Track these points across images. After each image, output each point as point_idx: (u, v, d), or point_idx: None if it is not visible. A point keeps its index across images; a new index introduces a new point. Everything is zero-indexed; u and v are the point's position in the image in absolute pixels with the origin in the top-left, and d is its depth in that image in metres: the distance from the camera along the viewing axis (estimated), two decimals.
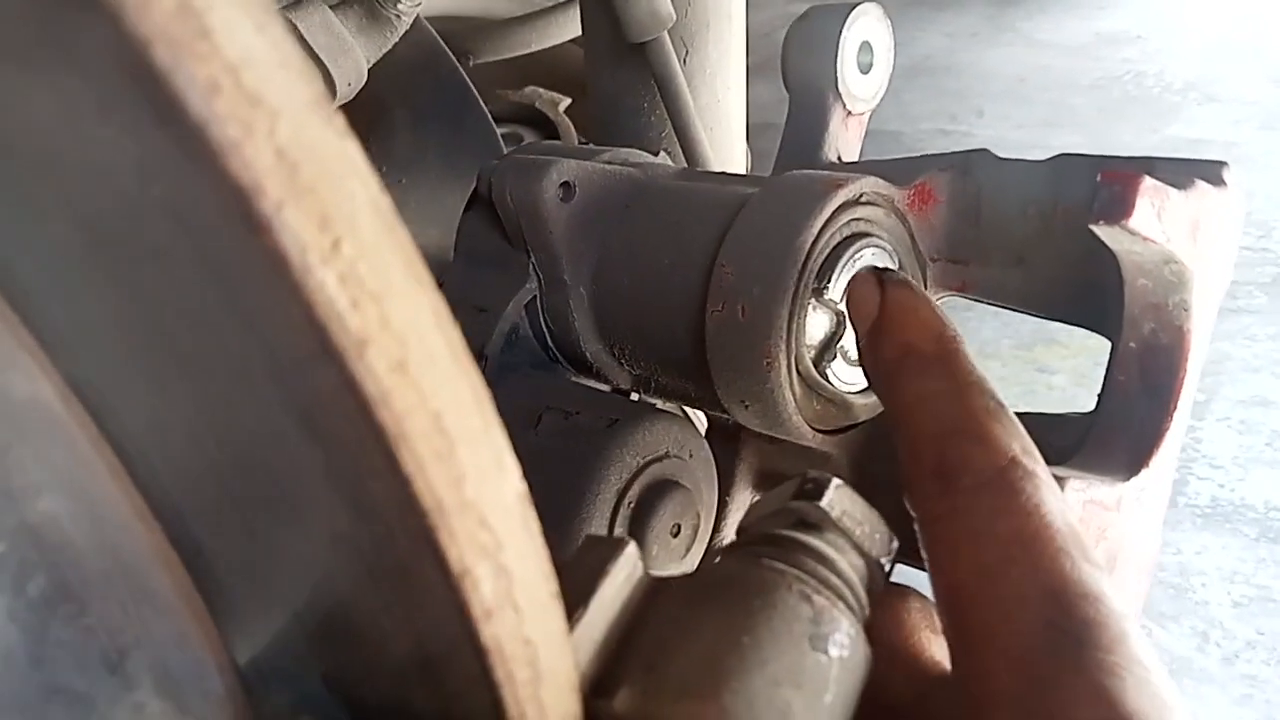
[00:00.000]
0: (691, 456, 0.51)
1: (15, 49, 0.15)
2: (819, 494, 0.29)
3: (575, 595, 0.24)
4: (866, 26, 0.58)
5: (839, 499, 0.29)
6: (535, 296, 0.54)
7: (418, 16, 0.83)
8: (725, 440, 0.59)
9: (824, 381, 0.46)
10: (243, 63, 0.14)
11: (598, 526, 0.46)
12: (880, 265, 0.46)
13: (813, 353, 0.46)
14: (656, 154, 0.62)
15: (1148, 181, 0.39)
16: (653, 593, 0.27)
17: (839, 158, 0.59)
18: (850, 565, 0.29)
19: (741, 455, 0.60)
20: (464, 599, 0.18)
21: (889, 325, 0.37)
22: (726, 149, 0.82)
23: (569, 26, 1.16)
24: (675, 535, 0.49)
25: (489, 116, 0.99)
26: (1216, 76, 2.92)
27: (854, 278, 0.41)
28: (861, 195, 0.47)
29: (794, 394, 0.45)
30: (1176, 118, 2.75)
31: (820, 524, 0.29)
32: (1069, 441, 0.46)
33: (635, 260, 0.51)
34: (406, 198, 0.91)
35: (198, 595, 0.24)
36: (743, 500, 0.60)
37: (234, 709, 0.25)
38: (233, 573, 0.24)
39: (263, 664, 0.25)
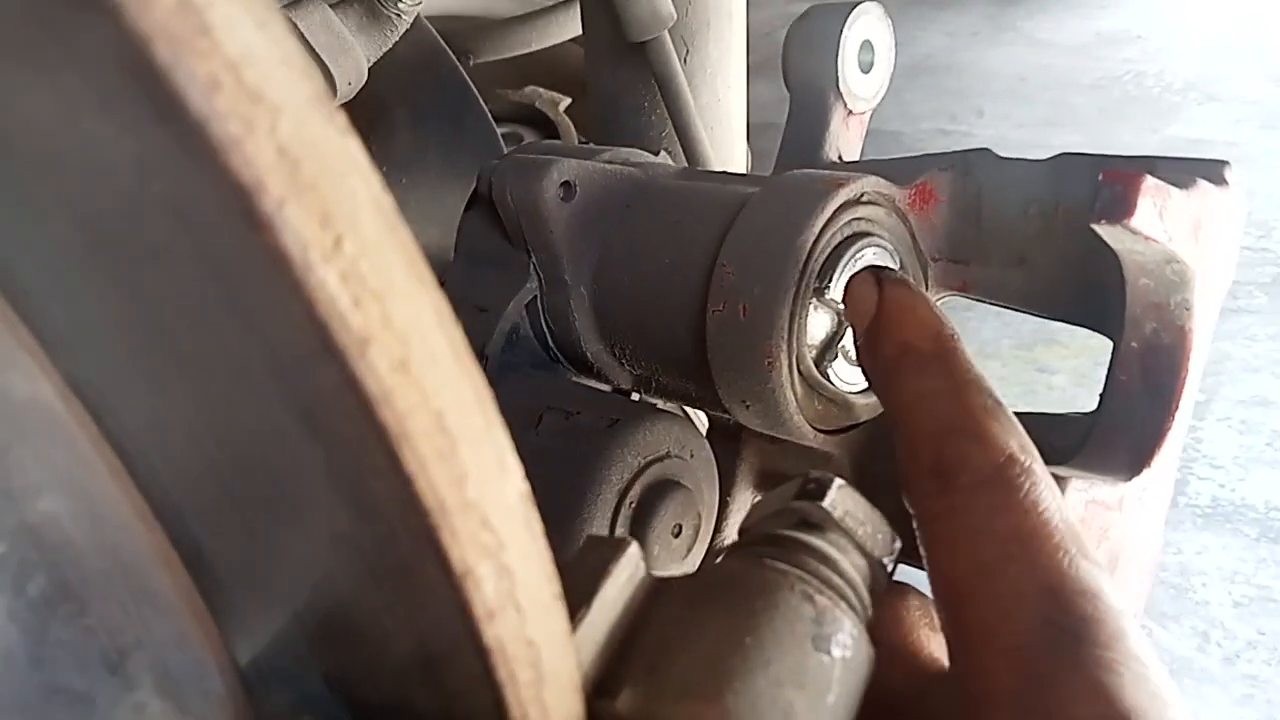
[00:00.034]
0: (693, 456, 0.51)
1: (14, 46, 0.15)
2: (821, 494, 0.29)
3: (577, 596, 0.24)
4: (867, 25, 0.58)
5: (841, 499, 0.29)
6: (536, 296, 0.54)
7: (418, 15, 0.83)
8: (726, 440, 0.59)
9: (825, 381, 0.46)
10: (243, 59, 0.14)
11: (598, 527, 0.46)
12: (881, 265, 0.46)
13: (814, 352, 0.46)
14: (657, 153, 0.62)
15: (1150, 181, 0.39)
16: (655, 593, 0.27)
17: (840, 157, 0.59)
18: (853, 565, 0.29)
19: (742, 455, 0.59)
20: (466, 599, 0.18)
21: (887, 324, 0.37)
22: (727, 148, 0.82)
23: (569, 26, 1.16)
24: (676, 535, 0.49)
25: (489, 116, 0.99)
26: (1217, 76, 2.92)
27: (852, 276, 0.41)
28: (863, 195, 0.47)
29: (795, 394, 0.45)
30: (1177, 117, 2.75)
31: (823, 524, 0.29)
32: (1071, 441, 0.46)
33: (636, 260, 0.51)
34: (406, 197, 0.91)
35: (198, 595, 0.24)
36: (744, 500, 0.60)
37: (234, 709, 0.25)
38: (233, 573, 0.24)
39: (264, 664, 0.25)
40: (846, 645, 0.26)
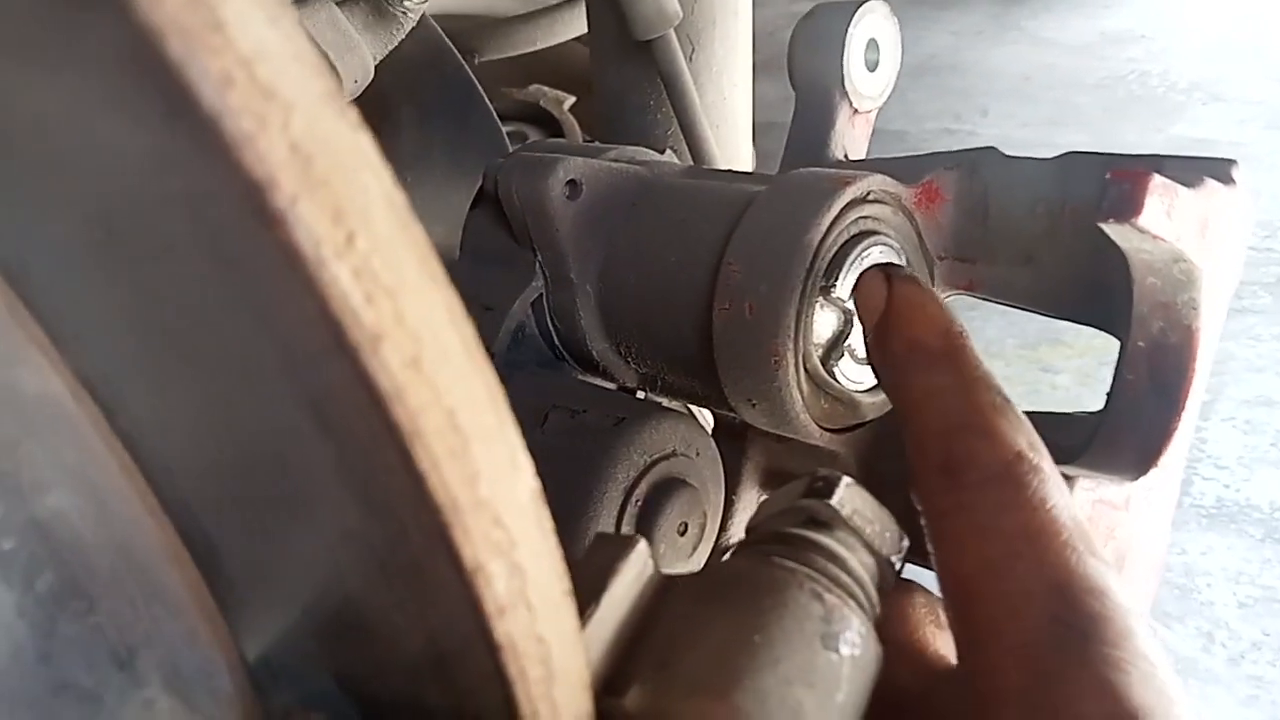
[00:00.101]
0: (698, 455, 0.51)
1: (24, 43, 0.15)
2: (829, 492, 0.29)
3: (586, 593, 0.24)
4: (873, 24, 0.58)
5: (849, 497, 0.29)
6: (541, 295, 0.54)
7: (424, 14, 0.83)
8: (732, 439, 0.59)
9: (831, 380, 0.46)
10: (256, 55, 0.14)
11: (605, 525, 0.46)
12: (889, 263, 0.46)
13: (820, 351, 0.46)
14: (662, 152, 0.62)
15: (1157, 179, 0.39)
16: (663, 591, 0.27)
17: (846, 155, 0.59)
18: (861, 563, 0.29)
19: (748, 454, 0.59)
20: (477, 596, 0.18)
21: (896, 321, 0.37)
22: (732, 147, 0.82)
23: (574, 24, 1.16)
24: (682, 534, 0.49)
25: (494, 114, 0.99)
26: (1221, 76, 2.92)
27: (862, 274, 0.41)
28: (869, 193, 0.46)
29: (801, 392, 0.45)
30: (1181, 117, 2.74)
31: (831, 522, 0.29)
32: (1077, 441, 0.46)
33: (642, 258, 0.51)
34: (412, 195, 0.90)
35: (207, 592, 0.24)
36: (749, 499, 0.60)
37: (243, 707, 0.25)
38: (243, 570, 0.24)
39: (273, 661, 0.25)
40: (855, 643, 0.26)
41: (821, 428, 0.47)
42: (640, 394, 0.57)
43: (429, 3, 0.81)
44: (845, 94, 0.58)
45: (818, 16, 0.58)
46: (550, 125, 1.25)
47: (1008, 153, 0.50)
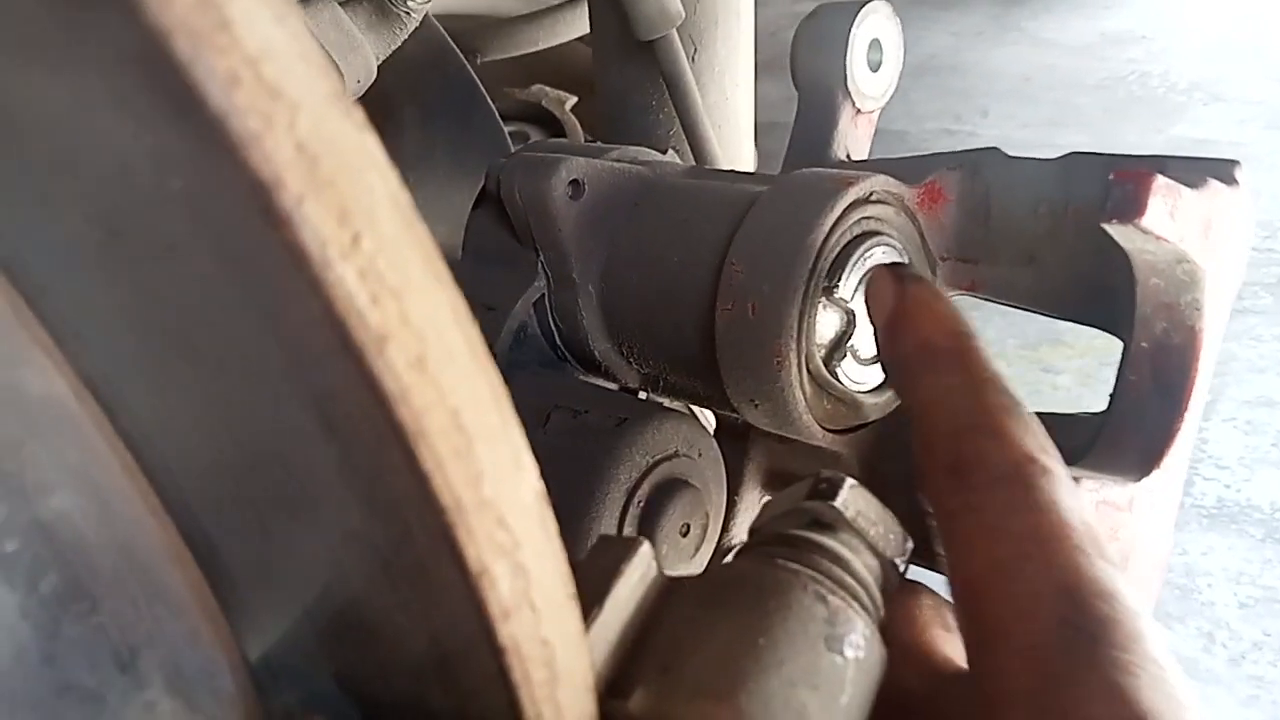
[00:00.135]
0: (700, 456, 0.51)
1: (31, 41, 0.15)
2: (833, 494, 0.29)
3: (590, 595, 0.24)
4: (876, 24, 0.58)
5: (853, 499, 0.29)
6: (544, 295, 0.54)
7: (426, 14, 0.83)
8: (734, 439, 0.59)
9: (834, 381, 0.46)
10: (263, 55, 0.14)
11: (607, 526, 0.46)
12: (895, 263, 0.46)
13: (823, 351, 0.46)
14: (665, 152, 0.62)
15: (1161, 180, 0.38)
16: (667, 593, 0.26)
17: (848, 156, 0.59)
18: (865, 566, 0.28)
19: (750, 454, 0.59)
20: (482, 598, 0.18)
21: (906, 321, 0.37)
22: (735, 147, 0.82)
23: (576, 24, 1.16)
24: (684, 535, 0.49)
25: (497, 114, 0.99)
26: (1221, 76, 2.92)
27: (872, 274, 0.40)
28: (872, 193, 0.46)
29: (804, 393, 0.45)
30: (1181, 117, 2.74)
31: (835, 524, 0.29)
32: (1080, 442, 0.46)
33: (644, 258, 0.51)
34: (414, 195, 0.90)
35: (210, 593, 0.24)
36: (751, 500, 0.60)
37: (245, 708, 0.24)
38: (245, 570, 0.24)
39: (274, 661, 0.25)
40: (859, 646, 0.26)
41: (824, 428, 0.47)
42: (642, 394, 0.57)
43: (431, 2, 0.81)
44: (848, 94, 0.58)
45: (820, 17, 0.58)
46: (552, 125, 1.25)
47: (1009, 153, 0.50)
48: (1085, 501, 0.46)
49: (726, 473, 0.53)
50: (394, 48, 0.79)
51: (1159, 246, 0.40)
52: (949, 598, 0.33)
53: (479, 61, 1.11)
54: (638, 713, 0.24)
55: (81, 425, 0.21)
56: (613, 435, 0.48)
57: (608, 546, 0.26)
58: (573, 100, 1.25)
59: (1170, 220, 0.39)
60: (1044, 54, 3.25)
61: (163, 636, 0.23)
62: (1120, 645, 0.26)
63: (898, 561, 0.30)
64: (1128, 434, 0.45)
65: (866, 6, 0.57)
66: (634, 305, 0.52)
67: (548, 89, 1.25)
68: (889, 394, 0.49)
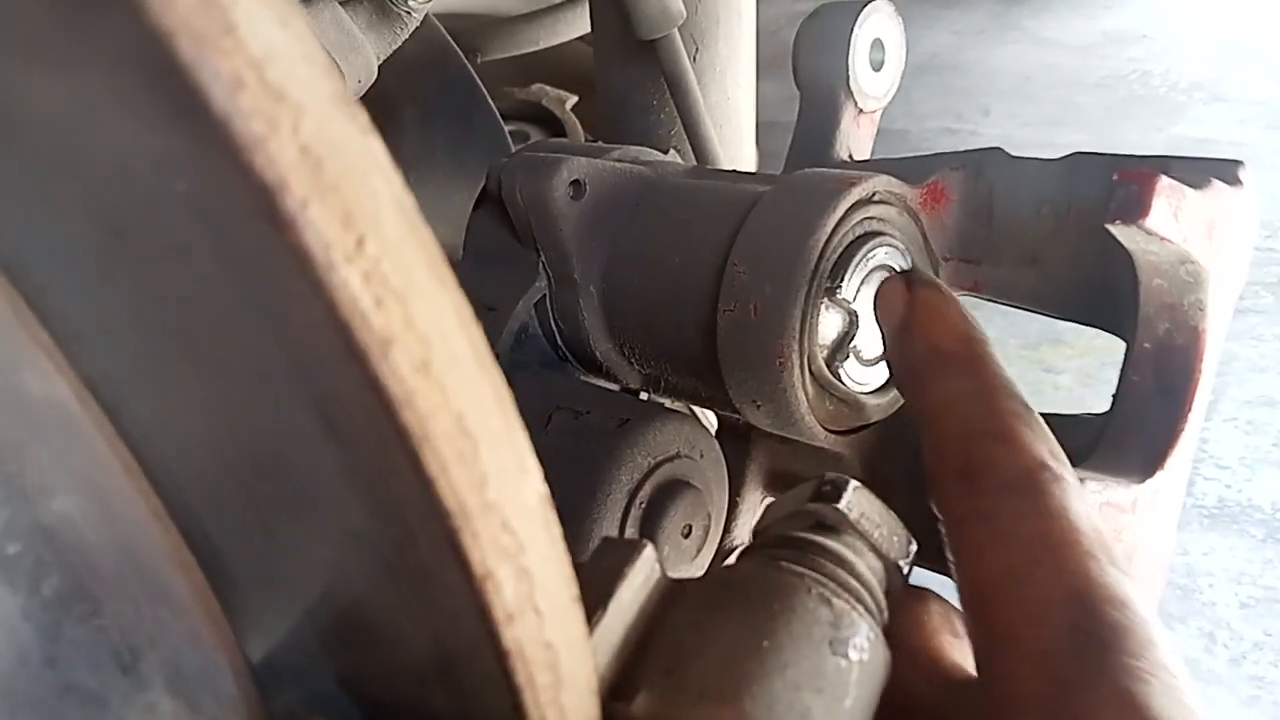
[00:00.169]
0: (702, 457, 0.51)
1: (35, 43, 0.15)
2: (837, 496, 0.29)
3: (593, 598, 0.24)
4: (878, 24, 0.58)
5: (857, 501, 0.29)
6: (545, 295, 0.54)
7: (427, 13, 0.83)
8: (736, 440, 0.59)
9: (837, 382, 0.46)
10: (267, 57, 0.14)
11: (608, 527, 0.46)
12: (894, 265, 0.46)
13: (825, 352, 0.45)
14: (666, 152, 0.61)
15: (1165, 181, 0.38)
16: (670, 595, 0.26)
17: (850, 156, 0.59)
18: (869, 568, 0.28)
19: (752, 456, 0.59)
20: (486, 602, 0.18)
21: (916, 326, 0.37)
22: (736, 146, 0.82)
23: (577, 24, 1.16)
24: (686, 536, 0.49)
25: (497, 114, 0.99)
26: (1222, 76, 2.92)
27: (883, 279, 0.40)
28: (874, 194, 0.46)
29: (806, 394, 0.45)
30: (1183, 117, 2.74)
31: (838, 526, 0.29)
32: (1083, 443, 0.46)
33: (646, 259, 0.51)
34: (414, 195, 0.90)
35: (212, 595, 0.24)
36: (753, 501, 0.60)
37: (247, 709, 0.24)
38: (248, 572, 0.23)
39: (277, 662, 0.25)
40: (863, 648, 0.26)
41: (826, 429, 0.47)
42: (644, 395, 0.57)
43: (432, 2, 0.81)
44: (850, 94, 0.57)
45: (823, 16, 0.58)
46: (552, 125, 1.25)
47: (1011, 153, 0.50)
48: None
49: (728, 474, 0.53)
50: (394, 47, 0.79)
51: (1162, 247, 0.40)
52: (955, 602, 0.33)
53: (479, 61, 1.11)
54: (641, 715, 0.24)
55: (83, 427, 0.21)
56: (614, 436, 0.47)
57: (611, 549, 0.26)
58: (573, 100, 1.25)
59: (1174, 221, 0.39)
60: (1045, 53, 3.25)
61: (164, 638, 0.23)
62: (1131, 652, 0.26)
63: (901, 564, 0.30)
64: (1131, 435, 0.45)
65: (869, 6, 0.57)
66: (635, 306, 0.51)
67: (548, 88, 1.25)
68: (891, 395, 0.48)
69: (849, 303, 0.45)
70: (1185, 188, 0.40)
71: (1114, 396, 0.46)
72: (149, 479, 0.22)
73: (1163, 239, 0.39)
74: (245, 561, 0.23)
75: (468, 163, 0.93)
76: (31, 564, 0.20)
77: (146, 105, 0.14)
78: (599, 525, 0.46)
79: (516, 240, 0.54)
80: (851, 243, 0.45)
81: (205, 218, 0.15)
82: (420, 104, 0.95)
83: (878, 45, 0.58)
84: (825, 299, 0.44)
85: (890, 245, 0.46)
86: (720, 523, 0.52)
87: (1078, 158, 0.48)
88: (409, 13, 0.77)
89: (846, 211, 0.45)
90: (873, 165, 0.56)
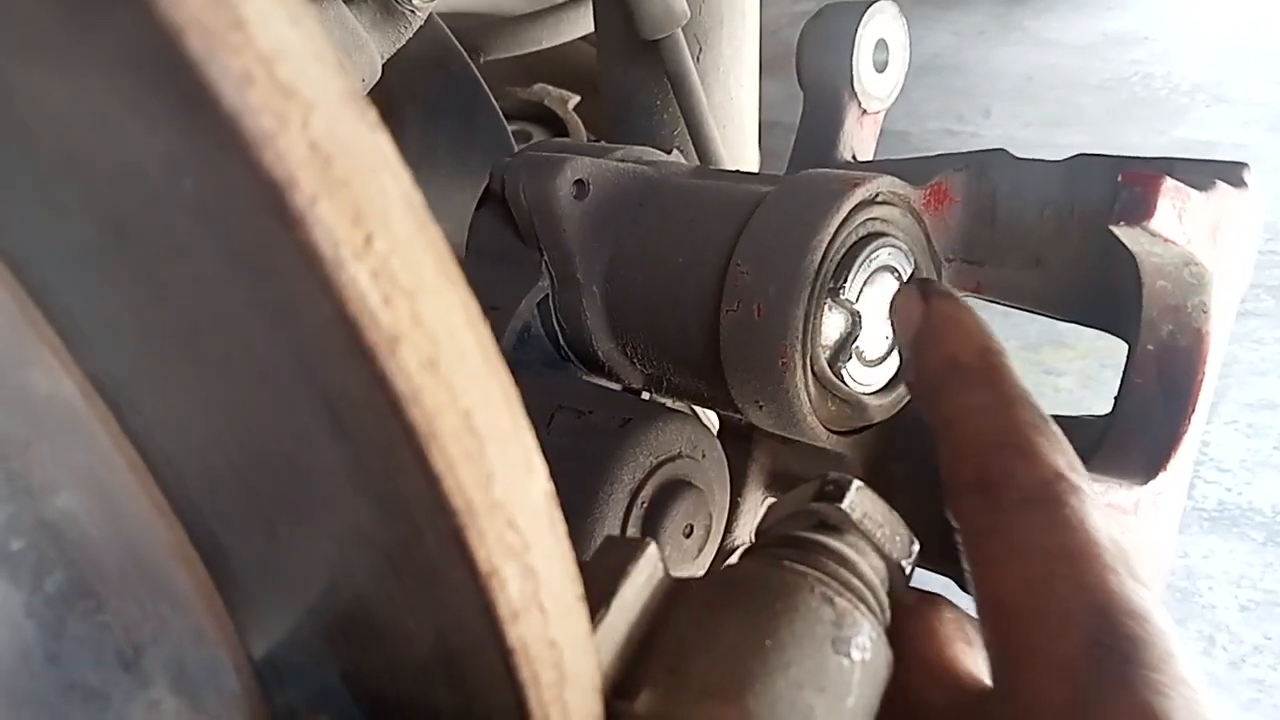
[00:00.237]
0: (704, 457, 0.51)
1: (43, 41, 0.15)
2: (840, 496, 0.29)
3: (596, 596, 0.24)
4: (882, 24, 0.58)
5: (860, 501, 0.29)
6: (547, 295, 0.54)
7: (431, 13, 0.83)
8: (738, 440, 0.59)
9: (839, 382, 0.46)
10: (277, 54, 0.14)
11: (610, 526, 0.46)
12: (897, 266, 0.46)
13: (828, 353, 0.45)
14: (669, 152, 0.61)
15: (1169, 183, 0.38)
16: (673, 594, 0.26)
17: (854, 156, 0.59)
18: (871, 568, 0.28)
19: (754, 456, 0.59)
20: (491, 599, 0.18)
21: (933, 337, 0.36)
22: (739, 147, 0.82)
23: (581, 23, 1.16)
24: (688, 536, 0.49)
25: (500, 113, 0.99)
26: (1224, 78, 2.91)
27: (898, 289, 0.40)
28: (878, 195, 0.46)
29: (809, 395, 0.45)
30: (1184, 119, 2.74)
31: (841, 526, 0.29)
32: (1085, 445, 0.45)
33: (649, 259, 0.51)
34: None
35: (215, 591, 0.24)
36: (755, 501, 0.60)
37: (249, 707, 0.24)
38: (251, 570, 0.23)
39: (280, 660, 0.25)
40: (866, 648, 0.26)
41: (828, 430, 0.47)
42: (646, 395, 0.57)
43: (436, 1, 0.81)
44: (854, 94, 0.58)
45: (827, 17, 0.58)
46: (554, 124, 1.25)
47: (1015, 154, 0.50)
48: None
49: (730, 474, 0.53)
50: (398, 46, 0.79)
51: (1166, 249, 0.40)
52: (957, 600, 0.32)
53: (482, 60, 1.11)
54: (644, 714, 0.24)
55: (88, 425, 0.21)
56: (617, 436, 0.47)
57: (614, 547, 0.26)
58: (575, 99, 1.25)
59: (1178, 223, 0.39)
60: (1047, 54, 3.24)
61: (167, 635, 0.23)
62: (1151, 665, 0.26)
63: (904, 564, 0.30)
64: (1133, 437, 0.45)
65: (873, 6, 0.57)
66: (638, 306, 0.51)
67: (551, 88, 1.25)
68: (893, 395, 0.49)
69: (852, 303, 0.45)
70: (1190, 190, 0.40)
71: (1116, 398, 0.46)
72: (153, 476, 0.22)
73: (1167, 241, 0.39)
74: (248, 558, 0.23)
75: (470, 162, 0.93)
76: (35, 560, 0.20)
77: (154, 102, 0.14)
78: (601, 524, 0.46)
79: (519, 240, 0.54)
80: (855, 243, 0.45)
81: (213, 215, 0.15)
82: (423, 103, 0.95)
83: (882, 46, 0.58)
84: (828, 300, 0.44)
85: (893, 246, 0.46)
86: (722, 523, 0.52)
87: (1081, 159, 0.48)
88: (413, 12, 0.77)
89: (850, 212, 0.45)
90: (876, 166, 0.56)
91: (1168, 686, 0.25)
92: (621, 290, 0.52)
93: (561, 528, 0.20)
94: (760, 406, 0.46)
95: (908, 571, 0.30)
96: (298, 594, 0.24)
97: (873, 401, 0.48)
